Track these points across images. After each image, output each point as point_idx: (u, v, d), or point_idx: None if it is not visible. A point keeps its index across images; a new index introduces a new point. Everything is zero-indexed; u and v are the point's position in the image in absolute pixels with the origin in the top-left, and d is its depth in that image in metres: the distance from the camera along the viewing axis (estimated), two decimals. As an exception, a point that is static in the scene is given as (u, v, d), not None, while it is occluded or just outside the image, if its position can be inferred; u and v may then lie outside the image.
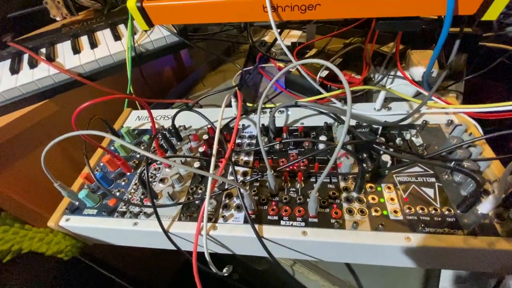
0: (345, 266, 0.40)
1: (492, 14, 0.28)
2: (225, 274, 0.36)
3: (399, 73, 0.49)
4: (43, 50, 0.52)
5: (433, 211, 0.29)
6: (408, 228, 0.28)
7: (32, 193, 0.54)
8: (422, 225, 0.28)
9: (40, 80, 0.47)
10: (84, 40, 0.54)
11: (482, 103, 0.37)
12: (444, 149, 0.32)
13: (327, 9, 0.30)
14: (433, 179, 0.32)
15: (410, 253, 0.28)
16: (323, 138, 0.36)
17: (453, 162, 0.32)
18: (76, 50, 0.51)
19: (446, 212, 0.29)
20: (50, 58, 0.50)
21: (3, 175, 0.48)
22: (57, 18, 0.71)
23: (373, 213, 0.29)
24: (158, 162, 0.39)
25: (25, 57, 0.52)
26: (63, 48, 0.53)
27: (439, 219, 0.28)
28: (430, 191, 0.31)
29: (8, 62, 0.51)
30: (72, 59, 0.50)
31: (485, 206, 0.27)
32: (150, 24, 0.37)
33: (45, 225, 0.54)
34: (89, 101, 0.29)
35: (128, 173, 0.40)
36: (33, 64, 0.49)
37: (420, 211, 0.29)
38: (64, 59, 0.50)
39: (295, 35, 0.74)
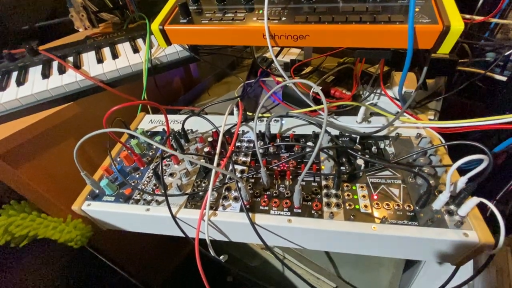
0: (326, 257, 0.46)
1: (445, 49, 0.35)
2: (223, 260, 0.42)
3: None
4: (71, 59, 0.60)
5: (396, 207, 0.35)
6: (375, 219, 0.34)
7: (51, 185, 0.60)
8: (386, 216, 0.34)
9: (68, 85, 0.54)
10: (106, 51, 0.62)
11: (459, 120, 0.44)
12: (405, 156, 0.38)
13: (315, 39, 0.37)
14: (399, 181, 0.38)
15: (376, 240, 0.34)
16: (310, 144, 0.42)
17: (417, 168, 0.38)
18: (100, 60, 0.58)
19: (407, 208, 0.35)
20: (77, 66, 0.57)
21: (28, 167, 0.54)
22: (80, 29, 0.79)
23: (347, 207, 0.36)
24: (168, 159, 0.46)
25: (55, 64, 0.59)
26: (88, 58, 0.60)
27: (401, 213, 0.34)
28: (396, 191, 0.37)
29: (39, 67, 0.58)
30: (96, 67, 0.57)
31: (437, 203, 0.34)
32: (169, 43, 0.44)
33: (59, 215, 0.60)
34: (118, 105, 0.36)
35: (142, 168, 0.46)
36: (62, 71, 0.56)
37: (386, 207, 0.35)
38: (89, 67, 0.57)
39: (294, 52, 0.82)
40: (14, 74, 0.56)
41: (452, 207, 0.34)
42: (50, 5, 0.86)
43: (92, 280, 0.69)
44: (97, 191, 0.43)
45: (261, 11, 0.40)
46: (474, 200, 0.31)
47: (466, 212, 0.32)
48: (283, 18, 0.38)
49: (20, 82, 0.54)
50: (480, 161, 0.29)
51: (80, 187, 0.45)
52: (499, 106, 0.65)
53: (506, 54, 0.63)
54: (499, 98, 0.66)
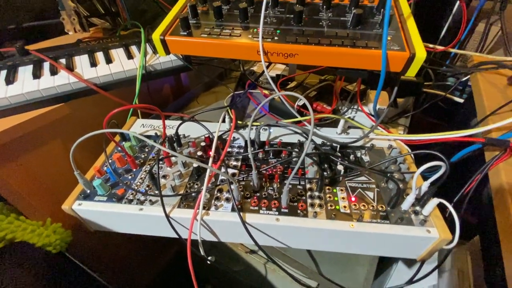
0: (309, 257, 0.49)
1: (411, 72, 0.41)
2: (212, 260, 0.44)
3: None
4: (63, 61, 0.60)
5: (371, 207, 0.39)
6: (353, 218, 0.38)
7: (32, 187, 0.59)
8: (362, 216, 0.38)
9: (60, 86, 0.54)
10: (100, 55, 0.63)
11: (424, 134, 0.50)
12: (378, 163, 0.44)
13: (303, 57, 0.42)
14: (373, 186, 0.43)
15: (354, 237, 0.38)
16: (296, 150, 0.47)
17: (388, 174, 0.43)
18: (93, 63, 0.60)
19: (380, 208, 0.39)
20: (70, 68, 0.58)
21: (11, 167, 0.53)
22: (70, 32, 0.79)
23: (329, 207, 0.40)
24: (161, 162, 0.48)
25: (46, 65, 0.59)
26: (81, 61, 0.61)
27: (375, 213, 0.39)
28: (371, 194, 0.42)
29: (29, 67, 0.58)
30: (90, 71, 0.58)
31: (405, 204, 0.39)
32: (168, 52, 0.47)
33: (38, 218, 0.59)
34: (118, 108, 0.38)
35: (135, 169, 0.47)
36: (54, 72, 0.57)
37: (362, 207, 0.40)
38: (82, 70, 0.58)
39: (279, 68, 0.87)
40: (3, 73, 0.56)
41: (417, 208, 0.39)
42: (38, 6, 0.86)
43: (69, 286, 0.66)
44: (88, 191, 0.44)
45: (256, 30, 0.44)
46: (435, 201, 0.36)
47: (429, 212, 0.38)
48: (276, 38, 0.43)
49: (9, 80, 0.53)
50: (440, 169, 0.35)
51: (63, 190, 0.45)
52: (457, 124, 0.74)
53: (463, 80, 0.72)
54: (457, 118, 0.75)
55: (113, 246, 0.81)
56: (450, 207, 0.35)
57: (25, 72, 0.57)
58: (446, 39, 0.81)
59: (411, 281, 0.42)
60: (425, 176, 0.40)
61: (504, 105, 0.46)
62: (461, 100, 0.73)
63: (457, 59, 0.88)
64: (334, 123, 0.64)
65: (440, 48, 0.69)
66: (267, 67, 0.78)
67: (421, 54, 0.39)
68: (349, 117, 0.53)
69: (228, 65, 0.92)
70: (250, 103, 0.78)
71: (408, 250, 0.40)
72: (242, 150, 0.50)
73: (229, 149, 0.51)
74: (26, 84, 0.54)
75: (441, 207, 0.38)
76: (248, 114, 0.74)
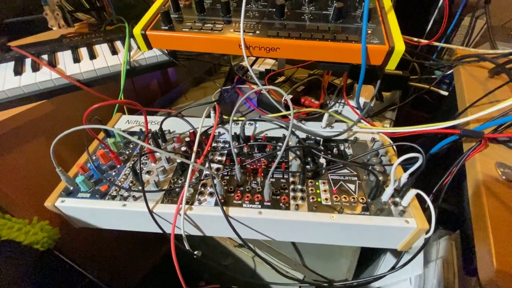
0: (294, 250, 0.50)
1: (391, 65, 0.41)
2: (198, 255, 0.44)
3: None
4: (45, 57, 0.59)
5: (352, 199, 0.40)
6: (334, 210, 0.39)
7: (17, 185, 0.58)
8: (343, 208, 0.39)
9: (42, 82, 0.53)
10: (83, 51, 0.62)
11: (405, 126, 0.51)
12: (360, 155, 0.44)
13: (284, 51, 0.42)
14: (355, 178, 0.43)
15: (335, 228, 0.39)
16: (280, 144, 0.47)
17: (370, 166, 0.44)
18: (76, 59, 0.59)
19: (361, 200, 0.40)
20: (52, 64, 0.57)
21: (-5, 165, 0.53)
22: (54, 28, 0.78)
23: (311, 200, 0.40)
24: (145, 157, 0.47)
25: (27, 61, 0.58)
26: (64, 56, 0.60)
27: (355, 204, 0.40)
28: (352, 186, 0.42)
29: (11, 64, 0.57)
30: (73, 66, 0.57)
31: (385, 196, 0.39)
32: (150, 47, 0.46)
33: (24, 216, 0.59)
34: (100, 103, 0.38)
35: (119, 166, 0.47)
36: (35, 68, 0.56)
37: (343, 199, 0.40)
38: (65, 66, 0.57)
39: (269, 62, 0.87)
40: (-17, 70, 0.55)
41: (397, 199, 0.40)
42: (21, 1, 0.84)
43: (58, 284, 0.66)
44: (71, 188, 0.44)
45: (237, 24, 0.44)
46: (412, 192, 0.37)
47: (407, 203, 0.38)
48: (257, 32, 0.43)
49: (-11, 77, 0.52)
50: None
51: (48, 187, 0.44)
52: (441, 116, 0.75)
53: (447, 73, 0.73)
54: (442, 110, 0.77)
55: (103, 243, 0.81)
56: (426, 198, 0.36)
57: (6, 68, 0.56)
58: (433, 33, 0.81)
59: (393, 269, 0.43)
60: (406, 168, 0.41)
61: (482, 97, 0.47)
62: (446, 93, 0.74)
63: (444, 53, 0.89)
64: (321, 117, 0.65)
65: (424, 41, 0.69)
66: (254, 61, 0.78)
67: (400, 47, 0.39)
68: (334, 111, 0.53)
69: (217, 61, 0.91)
70: (239, 98, 0.78)
71: (388, 241, 0.41)
72: (227, 145, 0.50)
73: (214, 144, 0.51)
74: (7, 80, 0.53)
75: (423, 199, 0.38)
76: (237, 109, 0.74)
